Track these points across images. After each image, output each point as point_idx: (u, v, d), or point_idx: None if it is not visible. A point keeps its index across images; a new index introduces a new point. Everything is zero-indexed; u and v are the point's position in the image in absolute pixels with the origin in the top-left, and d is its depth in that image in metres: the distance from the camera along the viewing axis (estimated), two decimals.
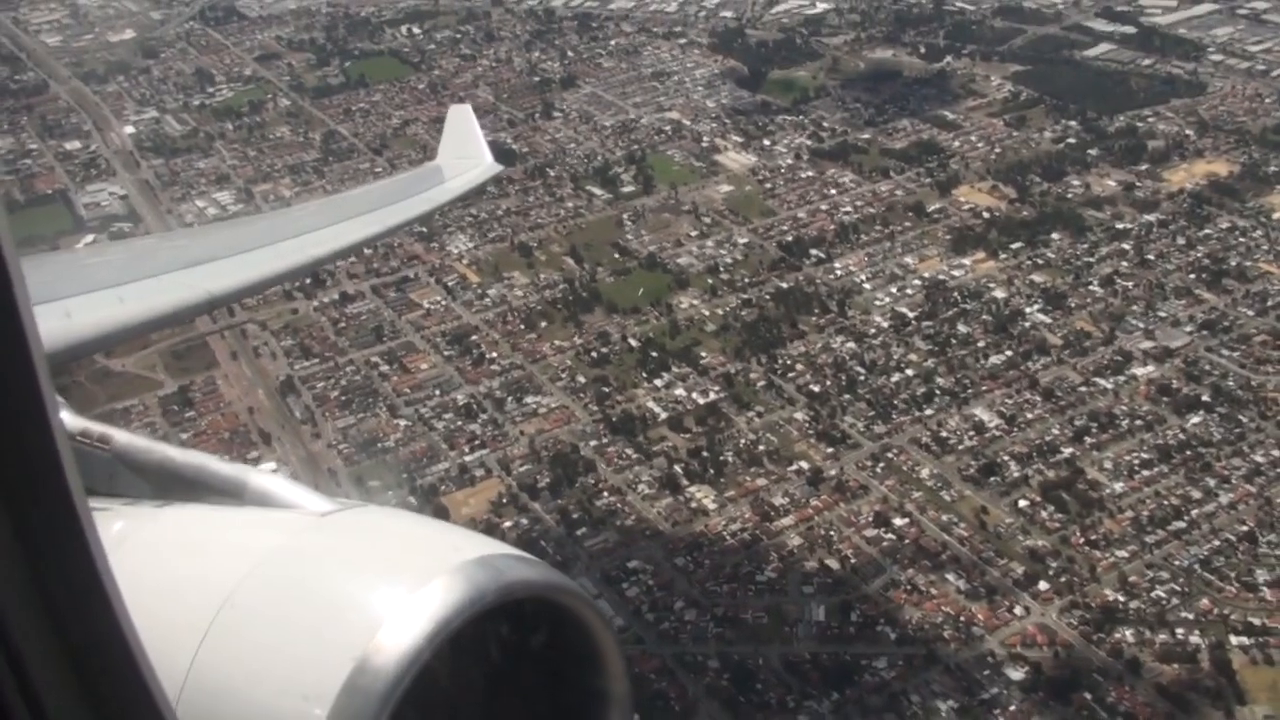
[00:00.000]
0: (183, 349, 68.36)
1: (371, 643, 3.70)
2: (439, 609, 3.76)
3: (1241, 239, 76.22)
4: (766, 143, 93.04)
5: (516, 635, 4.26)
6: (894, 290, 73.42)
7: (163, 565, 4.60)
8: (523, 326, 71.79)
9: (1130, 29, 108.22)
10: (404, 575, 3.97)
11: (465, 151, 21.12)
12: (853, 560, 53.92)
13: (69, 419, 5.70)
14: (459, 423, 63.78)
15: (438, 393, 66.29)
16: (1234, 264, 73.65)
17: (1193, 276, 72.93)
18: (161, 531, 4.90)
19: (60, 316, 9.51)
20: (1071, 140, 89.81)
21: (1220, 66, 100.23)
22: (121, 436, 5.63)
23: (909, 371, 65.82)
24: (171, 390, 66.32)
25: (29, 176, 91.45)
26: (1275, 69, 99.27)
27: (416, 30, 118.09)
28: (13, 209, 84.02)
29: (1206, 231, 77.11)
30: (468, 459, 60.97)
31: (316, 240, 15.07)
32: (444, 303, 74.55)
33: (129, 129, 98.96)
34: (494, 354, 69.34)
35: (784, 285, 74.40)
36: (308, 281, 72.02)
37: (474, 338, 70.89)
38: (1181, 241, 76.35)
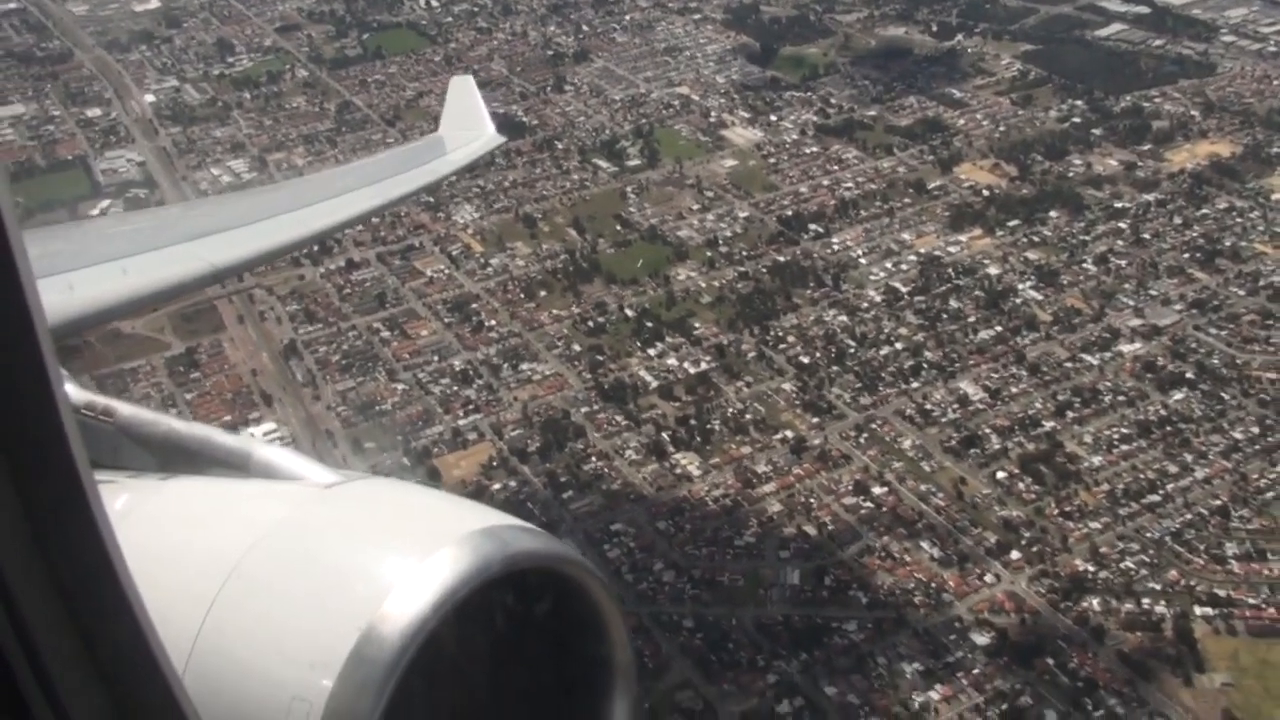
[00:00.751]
0: (191, 312, 70.16)
1: (378, 612, 3.72)
2: (445, 579, 3.78)
3: (1239, 219, 76.50)
4: (773, 118, 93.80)
5: (522, 605, 4.28)
6: (889, 265, 74.27)
7: (168, 537, 4.62)
8: (523, 295, 73.21)
9: (1144, 9, 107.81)
10: (409, 546, 3.99)
11: (467, 123, 21.15)
12: (830, 527, 55.20)
13: (73, 392, 5.72)
14: (455, 388, 65.36)
15: (436, 358, 67.85)
16: (1229, 244, 74.00)
17: (1187, 256, 73.36)
18: (166, 504, 4.91)
19: (63, 289, 9.52)
20: (1076, 120, 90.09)
21: (1232, 48, 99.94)
22: (125, 409, 5.63)
23: (898, 345, 66.82)
24: (179, 351, 68.20)
25: (51, 142, 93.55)
26: None
27: (435, 3, 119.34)
28: (33, 174, 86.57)
29: (1204, 211, 77.43)
30: (461, 423, 62.57)
31: (319, 212, 15.28)
32: (447, 271, 76.04)
33: (149, 97, 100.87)
34: (493, 322, 70.84)
35: (781, 259, 75.40)
36: (314, 249, 73.60)
37: (474, 306, 72.37)
38: (1178, 221, 76.73)
